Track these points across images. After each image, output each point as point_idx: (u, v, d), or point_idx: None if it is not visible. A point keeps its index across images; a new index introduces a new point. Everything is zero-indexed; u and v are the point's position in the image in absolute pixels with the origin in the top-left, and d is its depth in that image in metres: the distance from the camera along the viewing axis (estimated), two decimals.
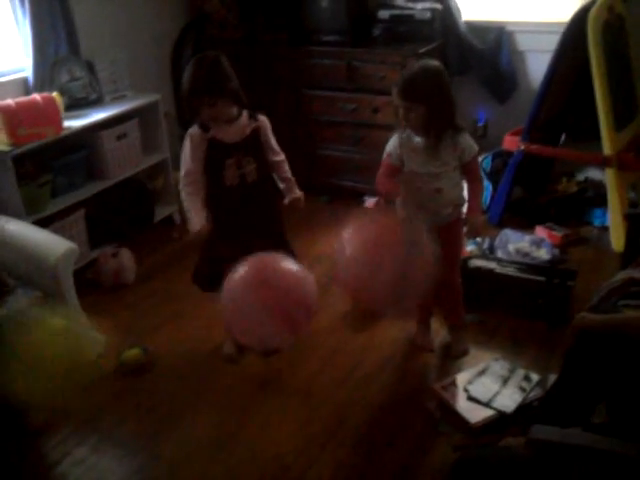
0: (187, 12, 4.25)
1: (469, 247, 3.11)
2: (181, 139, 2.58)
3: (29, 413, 2.40)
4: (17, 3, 3.20)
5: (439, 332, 2.77)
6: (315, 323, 2.91)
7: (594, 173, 3.72)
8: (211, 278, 2.50)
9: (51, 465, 2.30)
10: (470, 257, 2.96)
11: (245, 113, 2.48)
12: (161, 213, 3.89)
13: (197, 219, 2.45)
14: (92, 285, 3.27)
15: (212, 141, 2.44)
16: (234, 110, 2.44)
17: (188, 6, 4.24)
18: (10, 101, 3.02)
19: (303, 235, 3.48)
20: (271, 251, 2.41)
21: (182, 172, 2.50)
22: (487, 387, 2.39)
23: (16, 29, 3.27)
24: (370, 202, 3.90)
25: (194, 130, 2.46)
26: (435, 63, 2.36)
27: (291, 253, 2.66)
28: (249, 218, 2.54)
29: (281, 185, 2.62)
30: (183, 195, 2.50)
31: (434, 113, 2.27)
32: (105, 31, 3.73)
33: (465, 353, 2.66)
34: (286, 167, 2.61)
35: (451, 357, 2.66)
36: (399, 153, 2.41)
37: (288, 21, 4.14)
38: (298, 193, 2.60)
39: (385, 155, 2.47)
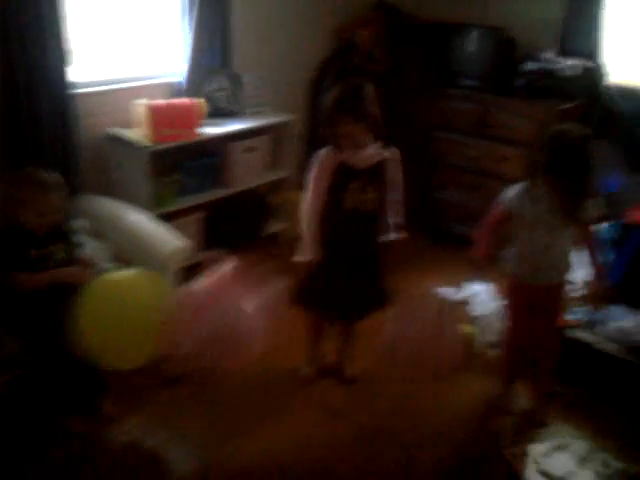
0: (335, 41, 4.40)
1: (570, 316, 2.97)
2: (306, 161, 2.66)
3: (105, 400, 2.56)
4: (187, 15, 3.47)
5: (521, 397, 2.67)
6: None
7: None
8: (306, 294, 2.59)
9: (116, 449, 2.41)
10: (569, 327, 2.83)
11: (378, 143, 2.52)
12: (269, 229, 3.99)
13: (311, 249, 2.49)
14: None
15: (341, 164, 2.48)
16: (368, 136, 2.47)
17: (337, 35, 4.39)
18: (160, 102, 3.27)
19: (395, 273, 3.45)
20: (366, 282, 2.50)
21: (307, 191, 2.55)
22: (562, 464, 2.29)
23: (179, 38, 3.54)
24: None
25: (326, 151, 2.52)
26: (586, 130, 2.34)
27: (384, 293, 2.68)
28: (356, 245, 2.56)
29: (389, 221, 2.60)
30: (304, 217, 2.54)
31: (576, 179, 2.29)
32: (256, 49, 3.94)
33: (544, 424, 2.55)
34: (400, 207, 2.58)
35: (529, 425, 2.56)
36: (519, 202, 2.39)
37: (431, 60, 4.18)
38: (396, 236, 2.57)
39: (499, 201, 2.46)
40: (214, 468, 2.33)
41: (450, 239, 4.00)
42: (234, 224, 3.69)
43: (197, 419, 2.58)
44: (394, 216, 2.58)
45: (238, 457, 2.38)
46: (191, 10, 3.46)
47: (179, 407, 2.64)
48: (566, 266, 2.44)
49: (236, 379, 2.80)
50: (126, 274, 2.41)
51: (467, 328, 3.05)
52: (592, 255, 2.47)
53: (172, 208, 3.39)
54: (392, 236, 2.59)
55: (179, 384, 2.74)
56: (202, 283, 2.30)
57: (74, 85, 3.08)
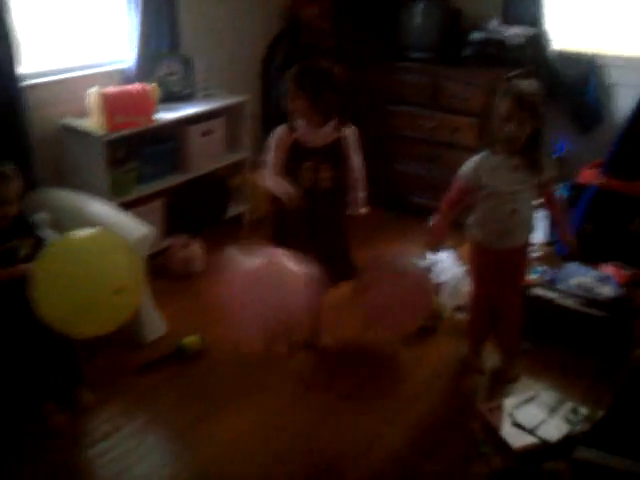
0: (283, 19, 4.39)
1: (532, 276, 3.09)
2: (263, 141, 2.68)
3: (81, 390, 2.55)
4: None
5: (491, 356, 2.78)
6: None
7: None
8: None
9: (99, 438, 2.39)
10: (531, 285, 2.95)
11: (333, 122, 2.54)
12: (233, 211, 4.00)
13: (287, 185, 2.48)
14: (162, 272, 3.40)
15: (295, 142, 2.53)
16: (321, 116, 2.49)
17: (284, 13, 4.38)
18: (112, 89, 3.23)
19: (362, 246, 3.53)
20: (331, 261, 2.53)
21: (266, 165, 2.59)
22: (533, 415, 2.39)
23: (126, 23, 3.48)
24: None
25: (282, 128, 2.56)
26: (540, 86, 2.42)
27: (351, 267, 2.73)
28: (316, 223, 2.60)
29: (350, 198, 2.65)
30: (268, 181, 2.56)
31: (539, 130, 2.34)
32: (205, 31, 3.91)
33: (515, 379, 2.66)
34: (360, 184, 2.62)
35: (501, 382, 2.67)
36: (478, 174, 2.44)
37: (381, 35, 4.22)
38: (362, 210, 2.63)
39: (457, 177, 2.51)
40: (196, 448, 2.36)
41: (411, 210, 4.07)
42: (196, 208, 3.69)
43: (175, 402, 2.59)
44: (357, 192, 2.64)
45: (219, 435, 2.40)
46: None
47: (155, 392, 2.64)
48: (531, 227, 2.53)
49: (210, 359, 2.84)
50: (84, 235, 2.30)
51: None
52: (559, 212, 2.57)
53: (131, 196, 3.36)
54: (355, 211, 2.65)
55: (154, 369, 2.75)
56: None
57: (25, 77, 3.02)
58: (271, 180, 2.56)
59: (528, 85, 2.38)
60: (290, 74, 2.48)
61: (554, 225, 2.90)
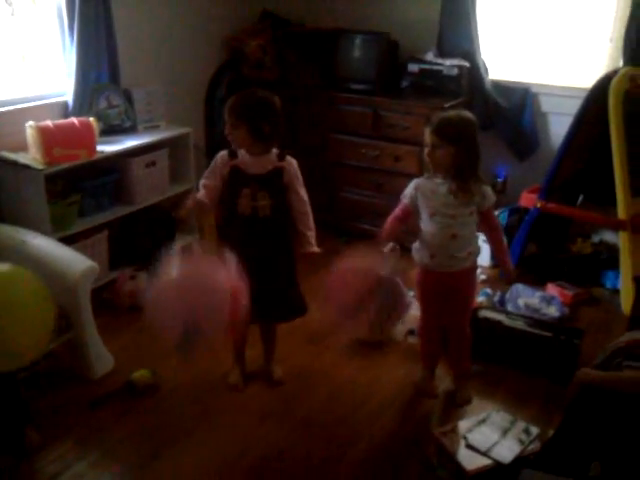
0: (225, 52, 4.42)
1: (480, 298, 3.16)
2: None
3: (29, 429, 2.44)
4: (66, 30, 3.38)
5: (444, 379, 2.81)
6: (321, 360, 3.00)
7: (609, 236, 3.77)
8: None
9: (48, 477, 2.30)
10: (480, 308, 3.00)
11: (275, 151, 2.55)
12: (181, 241, 3.94)
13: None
14: (108, 305, 3.34)
15: (234, 167, 2.53)
16: (258, 144, 2.50)
17: (226, 46, 4.42)
18: (49, 122, 3.16)
19: (317, 273, 3.52)
20: (277, 289, 2.56)
21: (200, 182, 2.59)
22: (486, 436, 2.40)
23: (61, 55, 3.44)
24: (387, 247, 3.95)
25: (222, 153, 2.57)
26: (469, 114, 2.48)
27: (299, 296, 2.70)
28: (258, 251, 2.56)
29: (299, 235, 2.61)
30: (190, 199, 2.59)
31: (461, 157, 2.38)
32: (145, 63, 3.90)
33: (468, 402, 2.69)
34: (306, 220, 2.59)
35: (454, 405, 2.69)
36: (415, 195, 2.50)
37: (321, 67, 4.29)
38: (312, 249, 2.58)
39: (402, 195, 2.56)
40: None
41: (360, 236, 4.10)
42: (142, 240, 3.62)
43: (127, 439, 2.51)
44: (305, 229, 2.59)
45: (173, 472, 2.34)
46: (71, 27, 3.36)
47: (106, 428, 2.56)
48: (476, 250, 2.57)
49: (162, 393, 2.77)
50: None
51: None
52: (498, 242, 2.61)
53: (73, 230, 3.27)
54: (307, 249, 2.59)
55: (104, 405, 2.67)
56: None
57: None
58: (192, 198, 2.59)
59: (450, 115, 2.44)
60: (227, 104, 2.48)
61: (493, 251, 2.95)
